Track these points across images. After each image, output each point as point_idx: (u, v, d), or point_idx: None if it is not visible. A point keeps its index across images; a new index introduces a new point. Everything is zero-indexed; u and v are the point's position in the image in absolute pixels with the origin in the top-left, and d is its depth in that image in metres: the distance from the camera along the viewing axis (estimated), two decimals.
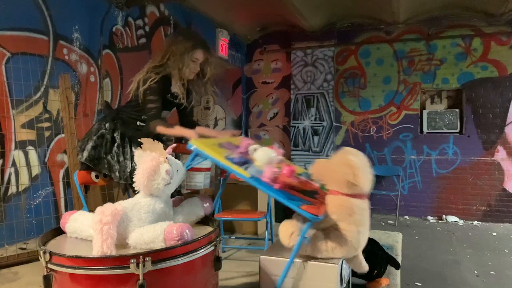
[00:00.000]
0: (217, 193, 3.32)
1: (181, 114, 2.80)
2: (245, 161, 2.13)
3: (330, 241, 2.10)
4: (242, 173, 2.05)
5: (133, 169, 2.30)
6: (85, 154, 2.40)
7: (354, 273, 2.45)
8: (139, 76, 2.50)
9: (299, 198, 2.08)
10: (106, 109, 2.73)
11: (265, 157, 2.12)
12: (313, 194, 2.21)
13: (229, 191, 3.90)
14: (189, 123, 2.71)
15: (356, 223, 2.11)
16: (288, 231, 2.07)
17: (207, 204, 2.10)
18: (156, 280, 1.53)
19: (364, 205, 2.15)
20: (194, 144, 2.12)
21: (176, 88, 2.56)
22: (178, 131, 2.42)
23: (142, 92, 2.43)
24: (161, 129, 2.38)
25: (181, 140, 2.53)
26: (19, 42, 3.42)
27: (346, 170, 2.08)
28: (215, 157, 2.10)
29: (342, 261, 2.15)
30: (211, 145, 2.20)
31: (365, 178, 2.13)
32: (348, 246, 2.10)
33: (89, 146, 2.42)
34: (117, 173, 2.41)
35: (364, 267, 2.31)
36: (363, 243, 2.19)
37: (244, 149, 2.17)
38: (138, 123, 2.58)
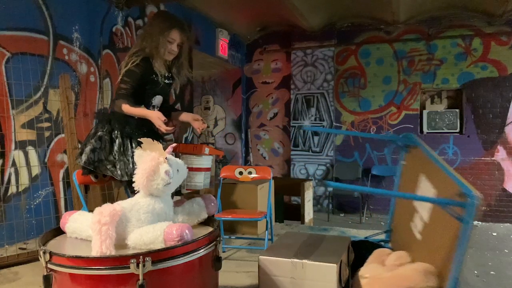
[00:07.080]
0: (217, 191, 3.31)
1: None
2: None
3: None
4: None
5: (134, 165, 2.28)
6: (84, 157, 2.39)
7: None
8: (122, 63, 2.50)
9: None
10: (99, 115, 2.71)
11: None
12: None
13: (229, 191, 3.90)
14: (166, 109, 2.63)
15: None
16: None
17: (212, 204, 2.08)
18: (156, 280, 1.53)
19: None
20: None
21: (159, 67, 2.54)
22: (141, 111, 2.41)
23: (121, 75, 2.42)
24: (126, 108, 2.37)
25: (181, 140, 2.50)
26: (19, 42, 3.42)
27: None
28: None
29: (341, 261, 2.15)
30: None
31: None
32: None
33: (87, 149, 2.41)
34: (119, 172, 2.40)
35: None
36: None
37: None
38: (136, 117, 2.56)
